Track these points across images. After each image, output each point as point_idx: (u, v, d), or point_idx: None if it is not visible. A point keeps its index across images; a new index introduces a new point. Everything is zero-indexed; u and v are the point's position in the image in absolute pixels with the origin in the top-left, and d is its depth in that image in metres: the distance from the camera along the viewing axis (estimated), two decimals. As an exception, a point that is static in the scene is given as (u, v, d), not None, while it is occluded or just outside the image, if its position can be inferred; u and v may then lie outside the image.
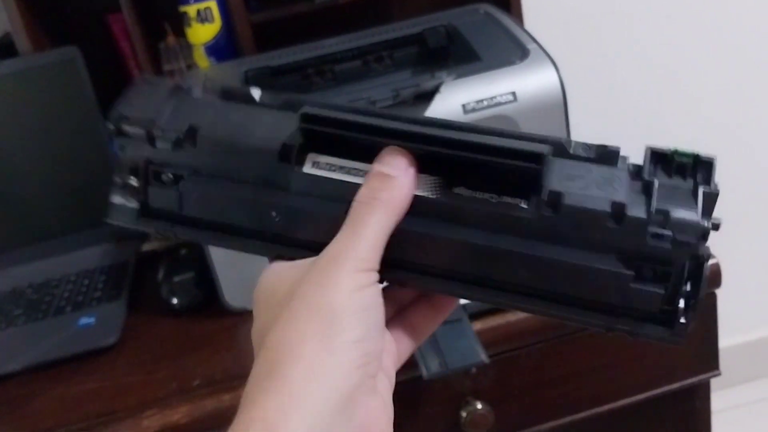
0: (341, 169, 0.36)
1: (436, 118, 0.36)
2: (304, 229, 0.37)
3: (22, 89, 0.98)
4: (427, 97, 0.73)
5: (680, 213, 0.33)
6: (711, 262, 0.75)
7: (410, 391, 0.71)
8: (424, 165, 0.35)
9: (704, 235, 0.33)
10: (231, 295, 0.79)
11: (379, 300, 0.33)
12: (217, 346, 0.75)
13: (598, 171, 0.34)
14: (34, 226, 1.01)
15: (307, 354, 0.31)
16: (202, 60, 1.04)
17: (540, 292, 0.34)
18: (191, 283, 0.84)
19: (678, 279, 0.33)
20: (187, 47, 1.05)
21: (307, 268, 0.34)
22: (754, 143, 1.53)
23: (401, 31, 0.92)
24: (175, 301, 0.83)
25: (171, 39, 1.06)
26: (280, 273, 0.36)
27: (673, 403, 0.83)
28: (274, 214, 0.37)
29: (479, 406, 0.72)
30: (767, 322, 1.71)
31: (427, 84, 0.69)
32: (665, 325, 0.34)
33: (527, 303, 0.34)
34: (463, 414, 0.72)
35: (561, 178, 0.34)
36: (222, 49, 1.04)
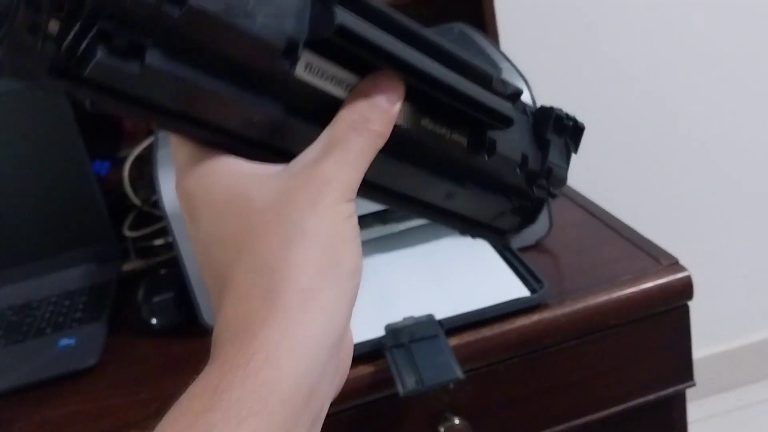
0: (333, 79, 0.33)
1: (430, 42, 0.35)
2: (279, 135, 0.33)
3: (1, 112, 0.99)
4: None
5: (558, 171, 0.43)
6: (682, 274, 0.76)
7: (387, 408, 0.71)
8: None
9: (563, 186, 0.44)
10: (210, 314, 0.79)
11: (359, 230, 0.33)
12: (197, 367, 0.75)
13: (517, 120, 0.40)
14: (15, 248, 1.01)
15: (306, 283, 0.30)
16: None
17: (453, 211, 0.42)
18: (171, 303, 0.84)
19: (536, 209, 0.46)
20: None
21: (287, 184, 0.31)
22: (725, 156, 1.55)
23: (377, 50, 0.94)
24: (154, 321, 0.84)
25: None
26: (244, 176, 0.32)
27: (650, 415, 0.84)
28: (255, 119, 0.32)
29: (457, 421, 0.73)
30: (740, 333, 1.73)
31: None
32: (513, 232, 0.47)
33: (441, 216, 0.42)
34: (441, 430, 0.72)
35: None
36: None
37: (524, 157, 0.41)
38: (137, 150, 1.03)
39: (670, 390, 0.80)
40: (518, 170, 0.41)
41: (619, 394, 0.79)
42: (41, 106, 0.98)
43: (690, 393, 0.82)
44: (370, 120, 0.32)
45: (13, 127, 0.99)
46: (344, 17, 0.30)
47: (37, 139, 1.00)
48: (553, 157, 0.42)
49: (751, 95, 1.51)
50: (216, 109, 0.31)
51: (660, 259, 0.78)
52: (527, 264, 0.78)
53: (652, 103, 1.48)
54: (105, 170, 1.06)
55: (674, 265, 0.77)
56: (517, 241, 0.84)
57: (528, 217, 0.46)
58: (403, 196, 0.40)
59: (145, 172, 1.06)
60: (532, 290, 0.74)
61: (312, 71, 0.32)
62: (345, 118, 0.32)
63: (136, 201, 1.03)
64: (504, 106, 0.38)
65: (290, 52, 0.30)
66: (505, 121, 0.38)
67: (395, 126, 0.34)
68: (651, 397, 0.80)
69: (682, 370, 0.80)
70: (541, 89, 0.81)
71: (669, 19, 1.42)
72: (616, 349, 0.77)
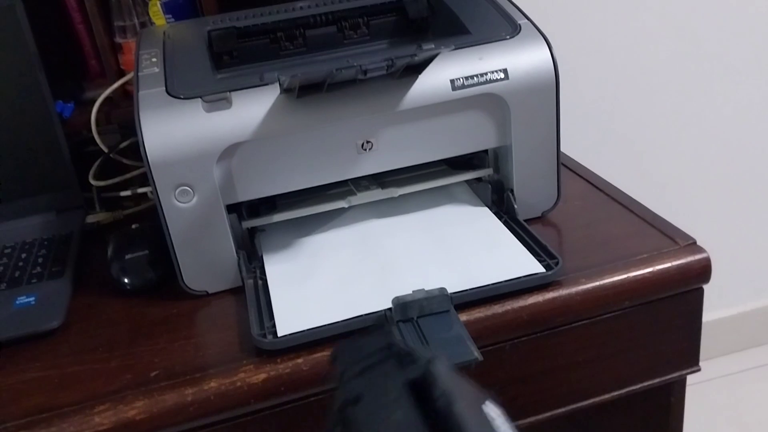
0: None
1: None
2: None
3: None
4: (418, 68, 0.67)
5: None
6: (701, 255, 0.72)
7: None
8: None
9: None
10: (190, 276, 0.72)
11: None
12: (176, 334, 0.68)
13: None
14: (-36, 193, 0.91)
15: None
16: (158, 17, 0.95)
17: None
18: (145, 262, 0.76)
19: None
20: (142, 3, 0.96)
21: None
22: (731, 134, 1.53)
23: (380, -4, 0.86)
24: (127, 280, 0.76)
25: (124, -8, 0.97)
26: None
27: (648, 398, 0.80)
28: None
29: (460, 402, 0.67)
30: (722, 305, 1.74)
31: (424, 54, 0.63)
32: None
33: None
34: (443, 411, 0.67)
35: None
36: (180, 6, 0.96)
37: None
38: (106, 92, 0.93)
39: (675, 375, 0.77)
40: None
41: (624, 378, 0.75)
42: (1, 39, 0.88)
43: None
44: None
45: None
46: None
47: (-6, 74, 0.89)
48: None
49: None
50: None
51: (676, 239, 0.74)
52: (539, 238, 0.72)
53: (677, 63, 1.43)
54: (69, 112, 0.96)
55: (692, 245, 0.73)
56: (523, 213, 0.79)
57: None
58: None
59: (113, 116, 0.97)
60: (547, 266, 0.68)
61: None
62: None
63: (102, 147, 0.94)
64: None
65: None
66: None
67: None
68: (655, 381, 0.76)
69: (689, 355, 0.77)
70: (556, 49, 0.75)
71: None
72: (624, 331, 0.73)
